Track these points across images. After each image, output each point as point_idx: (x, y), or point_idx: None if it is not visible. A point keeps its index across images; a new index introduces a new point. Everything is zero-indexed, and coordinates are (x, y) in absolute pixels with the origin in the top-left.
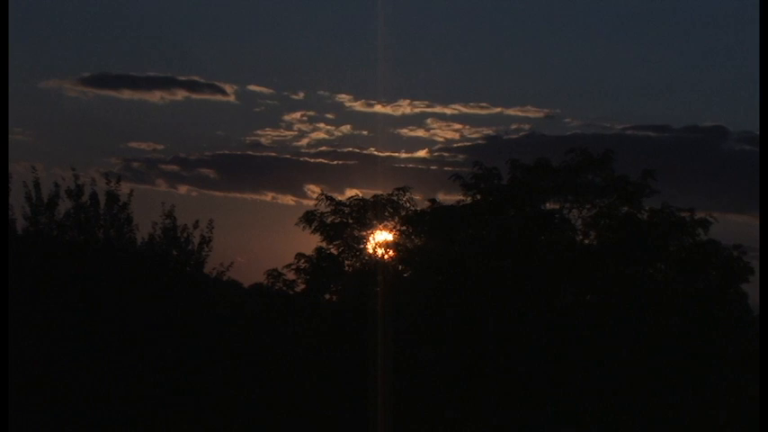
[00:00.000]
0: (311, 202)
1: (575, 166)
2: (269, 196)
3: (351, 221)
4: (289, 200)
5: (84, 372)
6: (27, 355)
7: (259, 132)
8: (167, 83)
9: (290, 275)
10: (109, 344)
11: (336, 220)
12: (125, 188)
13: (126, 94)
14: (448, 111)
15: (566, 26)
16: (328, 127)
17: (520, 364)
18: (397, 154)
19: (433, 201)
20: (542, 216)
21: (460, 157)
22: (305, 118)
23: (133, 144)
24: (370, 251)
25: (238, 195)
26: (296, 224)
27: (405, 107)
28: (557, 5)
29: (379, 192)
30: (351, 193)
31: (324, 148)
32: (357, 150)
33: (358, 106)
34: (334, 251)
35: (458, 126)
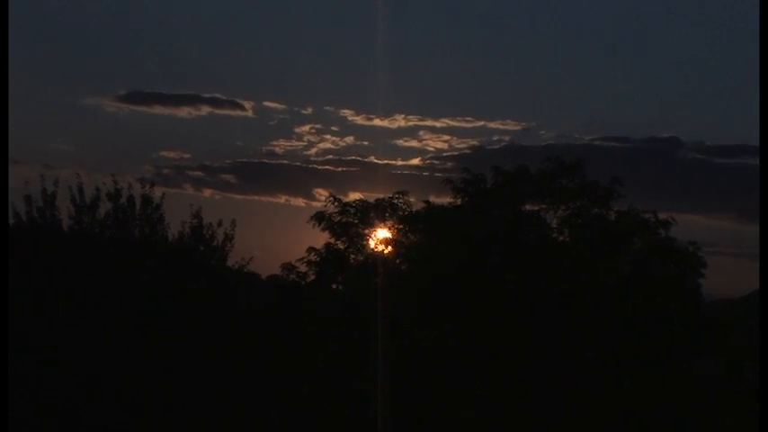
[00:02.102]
0: (319, 204)
1: (550, 173)
2: (282, 198)
3: (355, 221)
4: (300, 202)
5: (123, 355)
6: (69, 342)
7: (273, 143)
8: (193, 100)
9: (302, 268)
10: (143, 329)
11: (343, 220)
12: (157, 191)
13: (157, 110)
14: (438, 124)
15: (539, 51)
16: (333, 138)
17: (505, 347)
18: (393, 162)
19: (427, 202)
20: (523, 216)
21: (449, 164)
22: (313, 130)
23: (164, 153)
24: (372, 247)
25: (256, 198)
26: (307, 222)
27: (400, 121)
28: (531, 31)
29: (379, 194)
30: (354, 195)
31: (330, 157)
32: (359, 158)
33: (359, 120)
34: (340, 246)
35: (446, 137)
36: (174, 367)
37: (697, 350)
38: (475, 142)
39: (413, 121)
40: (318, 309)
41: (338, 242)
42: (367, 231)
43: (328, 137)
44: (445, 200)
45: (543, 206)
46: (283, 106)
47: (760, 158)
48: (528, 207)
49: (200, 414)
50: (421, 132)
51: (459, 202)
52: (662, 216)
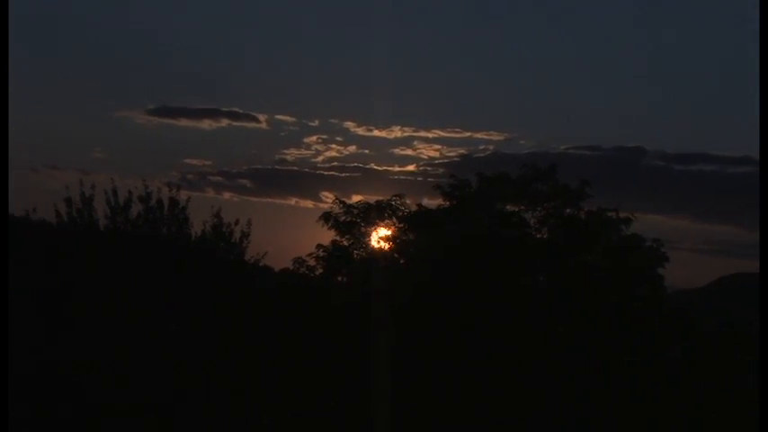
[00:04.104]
0: (325, 205)
1: (527, 178)
2: (293, 201)
3: (358, 220)
4: (308, 203)
5: (153, 343)
6: (104, 332)
7: (285, 151)
8: (214, 113)
9: (311, 262)
10: (170, 318)
11: (347, 220)
12: (183, 194)
13: (182, 122)
14: (430, 135)
15: (520, 70)
16: (338, 147)
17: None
18: (391, 168)
19: (419, 205)
20: (504, 216)
21: (440, 170)
22: (320, 140)
23: (188, 160)
24: (373, 243)
25: (269, 200)
26: (316, 221)
27: (396, 132)
28: (514, 50)
29: (379, 197)
30: (356, 198)
31: (335, 164)
32: (361, 165)
33: (360, 131)
34: (345, 243)
35: (437, 147)
36: (198, 358)
37: (667, 337)
38: (463, 151)
39: (408, 132)
40: (325, 298)
41: (343, 239)
42: (369, 230)
43: (333, 146)
44: (436, 202)
45: (522, 207)
46: (293, 119)
47: (760, 160)
48: (509, 208)
49: (217, 408)
50: (415, 142)
51: (447, 204)
52: (623, 214)
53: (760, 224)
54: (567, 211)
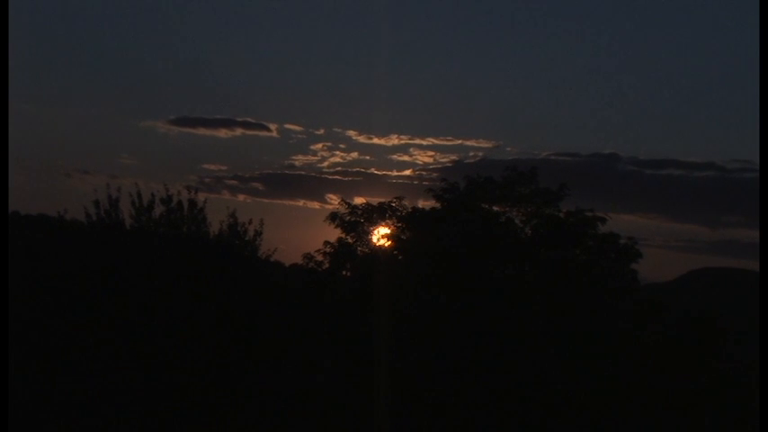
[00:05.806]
0: (330, 207)
1: (510, 180)
2: (301, 202)
3: (361, 220)
4: (315, 205)
5: (174, 336)
6: (129, 325)
7: (293, 157)
8: (229, 123)
9: (319, 257)
10: (188, 312)
11: (351, 219)
12: (201, 196)
13: (200, 131)
14: (425, 142)
15: (507, 83)
16: (341, 153)
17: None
18: (390, 172)
19: (414, 207)
20: (492, 216)
21: (434, 175)
22: (325, 147)
23: (205, 166)
24: (375, 241)
25: (279, 202)
26: (323, 221)
27: (394, 140)
28: (502, 63)
29: (380, 199)
30: (359, 200)
31: (339, 169)
32: (362, 170)
33: (362, 139)
34: (350, 240)
35: (432, 153)
36: (217, 349)
37: (641, 325)
38: (455, 157)
39: (405, 140)
40: (331, 291)
41: (348, 237)
42: (371, 229)
43: (337, 153)
44: (430, 204)
45: (507, 208)
46: (301, 128)
47: (760, 160)
48: (495, 209)
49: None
50: (411, 149)
51: (439, 206)
52: (599, 214)
53: (760, 224)
54: (547, 211)
